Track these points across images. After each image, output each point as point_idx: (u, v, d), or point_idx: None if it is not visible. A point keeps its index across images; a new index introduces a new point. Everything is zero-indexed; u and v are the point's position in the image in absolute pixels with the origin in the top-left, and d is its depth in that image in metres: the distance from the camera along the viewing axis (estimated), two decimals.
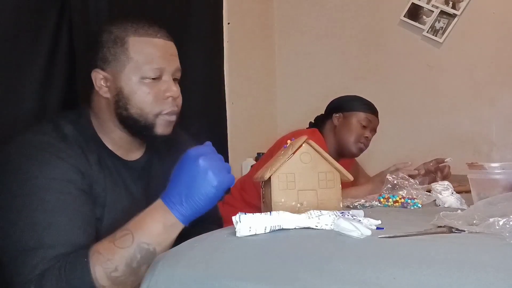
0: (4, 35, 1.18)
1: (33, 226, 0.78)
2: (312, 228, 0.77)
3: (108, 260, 0.76)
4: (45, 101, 1.28)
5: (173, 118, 0.95)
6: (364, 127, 1.73)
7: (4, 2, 1.17)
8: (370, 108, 1.76)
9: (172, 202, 0.80)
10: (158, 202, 0.82)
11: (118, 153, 0.97)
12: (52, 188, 0.81)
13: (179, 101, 0.97)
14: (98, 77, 0.93)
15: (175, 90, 0.94)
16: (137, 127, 0.93)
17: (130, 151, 1.00)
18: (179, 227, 0.81)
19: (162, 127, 0.94)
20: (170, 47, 0.95)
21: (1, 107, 1.17)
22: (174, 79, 0.97)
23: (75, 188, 0.84)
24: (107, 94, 0.93)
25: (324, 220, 0.77)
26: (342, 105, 1.78)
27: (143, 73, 0.90)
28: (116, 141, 0.97)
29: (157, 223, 0.79)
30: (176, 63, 0.96)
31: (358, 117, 1.73)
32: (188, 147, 0.95)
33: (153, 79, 0.91)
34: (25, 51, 1.23)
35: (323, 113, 1.87)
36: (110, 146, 0.96)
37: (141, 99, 0.91)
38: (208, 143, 0.86)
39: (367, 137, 1.74)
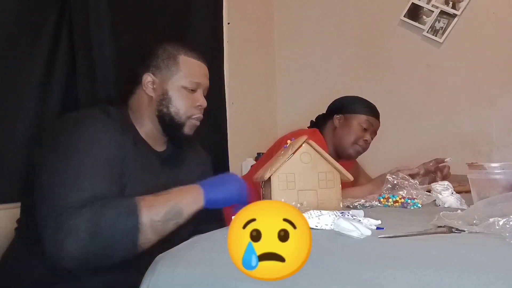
0: (4, 35, 1.18)
1: (78, 172, 0.94)
2: (312, 228, 0.77)
3: (153, 206, 0.94)
4: (45, 101, 1.28)
5: (198, 123, 1.19)
6: (365, 129, 1.71)
7: (4, 2, 1.17)
8: (372, 111, 1.74)
9: (205, 185, 1.03)
10: (196, 185, 1.03)
11: (149, 143, 1.16)
12: (94, 148, 0.97)
13: (202, 111, 1.20)
14: (148, 79, 1.15)
15: (205, 102, 1.19)
16: (171, 124, 1.14)
17: (157, 143, 1.18)
18: (201, 205, 1.01)
19: (188, 128, 1.17)
20: (206, 70, 1.22)
21: (1, 107, 1.17)
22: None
23: (113, 157, 1.00)
24: (152, 93, 1.15)
25: (324, 220, 0.77)
26: (344, 106, 1.76)
27: (185, 83, 1.15)
28: (147, 133, 1.15)
29: (192, 198, 1.00)
30: (207, 83, 1.21)
31: (359, 120, 1.71)
32: (200, 150, 1.34)
33: (191, 90, 1.16)
34: (25, 51, 1.23)
35: (325, 112, 1.86)
36: (142, 136, 1.15)
37: (180, 102, 1.14)
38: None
39: (366, 140, 1.72)
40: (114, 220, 0.89)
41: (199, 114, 1.18)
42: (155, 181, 1.10)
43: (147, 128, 1.16)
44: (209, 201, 1.02)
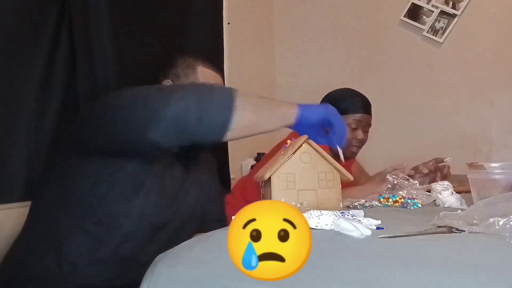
0: (4, 35, 1.18)
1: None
2: (312, 228, 0.77)
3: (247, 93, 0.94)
4: (45, 101, 1.28)
5: None
6: (355, 129, 1.66)
7: (4, 2, 1.17)
8: (359, 107, 1.68)
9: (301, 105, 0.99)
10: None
11: None
12: None
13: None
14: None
15: None
16: None
17: None
18: (295, 111, 0.97)
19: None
20: (221, 81, 1.31)
21: (1, 107, 1.17)
22: None
23: None
24: None
25: (324, 220, 0.77)
26: None
27: None
28: None
29: (286, 102, 0.99)
30: None
31: (347, 121, 1.63)
32: (209, 155, 1.36)
33: None
34: (25, 51, 1.23)
35: None
36: None
37: None
38: None
39: (359, 139, 1.67)
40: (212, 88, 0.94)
41: None
42: (169, 177, 1.10)
43: None
44: (303, 113, 0.98)
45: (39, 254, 0.98)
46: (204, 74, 1.25)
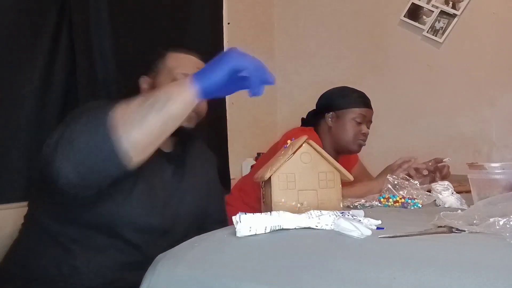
0: (4, 35, 1.18)
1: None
2: (312, 228, 0.77)
3: (126, 102, 0.81)
4: (45, 101, 1.28)
5: (192, 114, 1.08)
6: (359, 123, 1.67)
7: (4, 2, 1.18)
8: (362, 102, 1.70)
9: (196, 74, 0.84)
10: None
11: None
12: None
13: (202, 104, 1.12)
14: (143, 82, 1.16)
15: None
16: None
17: (164, 144, 1.11)
18: (189, 90, 0.82)
19: (185, 121, 1.02)
20: (198, 62, 1.16)
21: (1, 107, 1.17)
22: None
23: None
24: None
25: (324, 220, 0.77)
26: (333, 103, 1.72)
27: (173, 76, 1.10)
28: None
29: (174, 84, 0.86)
30: None
31: (352, 114, 1.67)
32: (206, 150, 1.31)
33: None
34: (25, 51, 1.24)
35: (315, 108, 1.82)
36: None
37: None
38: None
39: (364, 133, 1.68)
40: (87, 116, 0.80)
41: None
42: (159, 179, 1.08)
43: None
44: (200, 83, 0.82)
45: (39, 256, 0.98)
46: (173, 58, 1.15)
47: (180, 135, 1.15)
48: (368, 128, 1.73)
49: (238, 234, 0.74)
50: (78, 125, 0.80)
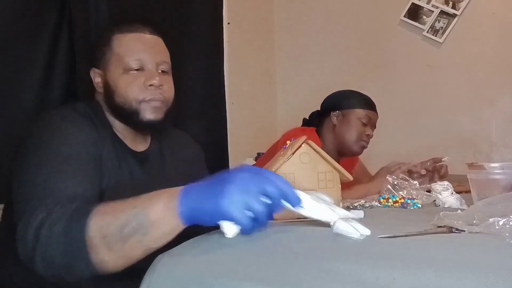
0: (4, 35, 1.18)
1: (45, 178, 0.83)
2: (313, 227, 0.77)
3: (106, 213, 0.73)
4: (45, 101, 1.28)
5: (158, 104, 1.00)
6: (365, 124, 1.68)
7: (4, 2, 1.18)
8: (369, 104, 1.71)
9: (186, 192, 0.70)
10: (175, 188, 0.73)
11: (126, 142, 1.04)
12: (67, 150, 0.87)
13: (166, 89, 1.01)
14: (95, 75, 1.03)
15: (157, 79, 0.99)
16: (124, 115, 1.00)
17: (136, 142, 1.06)
18: (175, 216, 0.70)
19: (147, 113, 0.99)
20: (153, 40, 1.02)
21: (1, 106, 1.17)
22: (163, 72, 1.02)
23: (86, 154, 0.90)
24: (101, 89, 1.02)
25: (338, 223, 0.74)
26: (340, 102, 1.72)
27: (125, 64, 0.98)
28: (121, 132, 1.03)
29: (160, 202, 0.71)
30: (159, 56, 1.02)
31: (358, 115, 1.67)
32: (189, 145, 1.18)
33: (136, 70, 0.98)
34: (25, 51, 1.24)
35: (319, 109, 1.82)
36: (118, 135, 1.03)
37: (123, 89, 0.98)
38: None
39: (368, 134, 1.69)
40: (64, 228, 0.73)
41: (153, 95, 0.98)
42: (134, 186, 0.97)
43: (117, 126, 1.03)
44: (188, 211, 0.68)
45: (15, 272, 0.91)
46: (120, 42, 0.99)
47: (152, 132, 1.08)
48: (372, 132, 1.73)
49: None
50: (52, 237, 0.73)
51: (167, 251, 0.74)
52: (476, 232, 0.72)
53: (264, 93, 2.72)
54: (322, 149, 0.97)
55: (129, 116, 0.99)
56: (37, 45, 1.27)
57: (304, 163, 0.95)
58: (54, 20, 1.31)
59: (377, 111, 1.75)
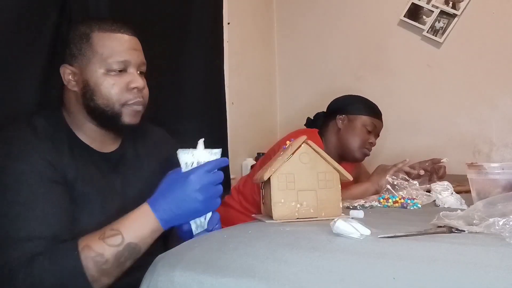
0: (4, 34, 1.18)
1: (8, 219, 0.83)
2: (313, 227, 0.77)
3: (99, 255, 0.81)
4: (45, 101, 1.28)
5: (139, 108, 1.00)
6: (369, 132, 1.67)
7: (4, 2, 1.18)
8: (375, 112, 1.71)
9: (159, 211, 0.87)
10: (146, 208, 0.88)
11: (93, 145, 1.01)
12: (25, 181, 0.85)
13: (145, 92, 1.01)
14: (66, 72, 0.99)
15: (140, 81, 0.98)
16: (104, 117, 0.97)
17: (105, 143, 1.03)
18: (161, 231, 0.89)
19: (129, 117, 0.98)
20: (134, 42, 1.00)
21: (1, 106, 1.17)
22: (141, 73, 1.01)
23: (47, 180, 0.87)
24: (75, 88, 0.98)
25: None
26: (347, 107, 1.71)
27: (108, 66, 0.95)
28: (89, 134, 1.00)
29: (146, 229, 0.86)
30: (140, 57, 1.01)
31: (364, 121, 1.67)
32: (167, 141, 1.17)
33: (118, 71, 0.96)
34: (25, 50, 1.23)
35: (325, 111, 1.82)
36: (84, 139, 1.00)
37: (107, 90, 0.95)
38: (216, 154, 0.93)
39: (371, 142, 1.69)
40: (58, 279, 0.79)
41: (137, 98, 0.98)
42: (111, 190, 0.98)
43: (86, 128, 0.99)
44: (167, 224, 0.88)
45: None
46: (102, 41, 0.96)
47: (123, 133, 1.05)
48: (375, 141, 1.73)
49: None
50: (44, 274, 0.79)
51: (167, 251, 0.74)
52: (476, 232, 0.72)
53: (264, 93, 2.72)
54: (324, 151, 0.97)
55: (109, 119, 0.97)
56: (37, 45, 1.26)
57: (304, 163, 0.95)
58: (54, 20, 1.31)
59: (380, 111, 1.75)
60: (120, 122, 0.97)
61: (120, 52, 0.96)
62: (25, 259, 0.80)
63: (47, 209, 0.85)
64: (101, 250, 0.81)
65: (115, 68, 0.96)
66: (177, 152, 0.90)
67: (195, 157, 0.89)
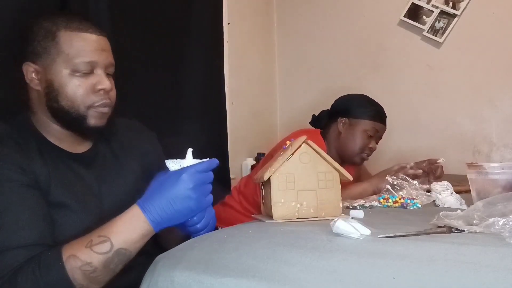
0: (4, 35, 1.18)
1: None
2: (313, 227, 0.77)
3: (87, 263, 0.78)
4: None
5: (106, 110, 0.95)
6: (370, 136, 1.65)
7: (4, 2, 1.18)
8: (378, 117, 1.66)
9: (150, 212, 0.82)
10: (136, 210, 0.83)
11: (63, 146, 0.96)
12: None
13: (113, 94, 0.97)
14: (29, 70, 0.93)
15: (107, 83, 0.94)
16: (68, 119, 0.93)
17: (75, 143, 0.98)
18: (152, 233, 0.84)
19: (94, 119, 0.94)
20: (102, 42, 0.96)
21: (1, 106, 1.17)
22: (108, 74, 0.97)
23: (18, 186, 0.84)
24: (38, 87, 0.93)
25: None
26: (350, 109, 1.68)
27: (74, 66, 0.91)
28: (56, 134, 0.96)
29: (136, 233, 0.82)
30: (108, 58, 0.96)
31: (365, 126, 1.64)
32: (142, 133, 1.12)
33: (84, 73, 0.92)
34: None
35: (329, 109, 1.78)
36: (52, 140, 0.96)
37: (72, 92, 0.91)
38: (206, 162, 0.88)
39: (371, 148, 1.67)
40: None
41: (103, 100, 0.94)
42: (86, 190, 0.94)
43: (51, 128, 0.95)
44: (159, 226, 0.83)
45: None
46: (70, 41, 0.91)
47: (88, 136, 1.00)
48: (377, 143, 1.70)
49: None
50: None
51: (167, 251, 0.74)
52: (476, 232, 0.72)
53: (264, 93, 2.72)
54: (326, 152, 0.97)
55: (73, 121, 0.93)
56: None
57: (304, 163, 0.95)
58: None
59: (384, 114, 1.72)
60: (85, 124, 0.93)
61: (87, 52, 0.92)
62: (6, 273, 0.77)
63: (22, 216, 0.81)
64: (88, 259, 0.78)
65: (81, 69, 0.91)
66: (165, 161, 0.86)
67: (183, 166, 0.86)
